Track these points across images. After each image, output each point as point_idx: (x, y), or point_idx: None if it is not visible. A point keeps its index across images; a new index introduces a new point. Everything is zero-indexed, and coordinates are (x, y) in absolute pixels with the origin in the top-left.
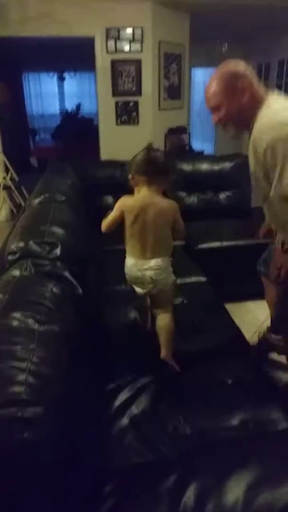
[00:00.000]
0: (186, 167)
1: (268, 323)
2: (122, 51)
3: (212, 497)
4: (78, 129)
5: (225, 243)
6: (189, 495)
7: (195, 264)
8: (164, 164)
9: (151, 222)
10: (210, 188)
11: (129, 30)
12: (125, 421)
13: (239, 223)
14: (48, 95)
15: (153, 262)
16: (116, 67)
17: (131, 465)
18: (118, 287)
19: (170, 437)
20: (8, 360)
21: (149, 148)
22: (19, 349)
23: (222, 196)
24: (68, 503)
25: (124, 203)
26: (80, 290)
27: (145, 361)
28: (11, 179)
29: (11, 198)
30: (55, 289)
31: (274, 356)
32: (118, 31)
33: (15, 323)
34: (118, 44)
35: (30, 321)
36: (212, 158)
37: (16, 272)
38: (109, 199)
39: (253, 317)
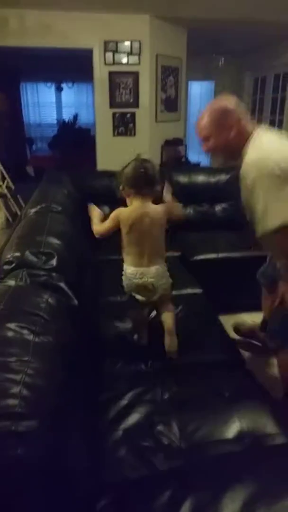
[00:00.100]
0: (182, 179)
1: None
2: (120, 63)
3: None
4: (75, 139)
5: (221, 255)
6: None
7: (191, 275)
8: (154, 174)
9: (147, 231)
10: (206, 200)
11: (127, 43)
12: (119, 433)
13: (235, 235)
14: (46, 105)
15: (153, 269)
16: (114, 78)
17: (125, 480)
18: (114, 298)
19: (165, 450)
20: (3, 372)
21: (138, 159)
22: (14, 361)
23: (218, 208)
24: None
25: (120, 213)
26: (76, 301)
27: (139, 373)
28: (7, 187)
29: (7, 206)
30: (50, 300)
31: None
32: (116, 44)
33: (10, 334)
34: (116, 56)
35: (25, 332)
36: (208, 170)
37: (12, 282)
38: (106, 209)
39: None
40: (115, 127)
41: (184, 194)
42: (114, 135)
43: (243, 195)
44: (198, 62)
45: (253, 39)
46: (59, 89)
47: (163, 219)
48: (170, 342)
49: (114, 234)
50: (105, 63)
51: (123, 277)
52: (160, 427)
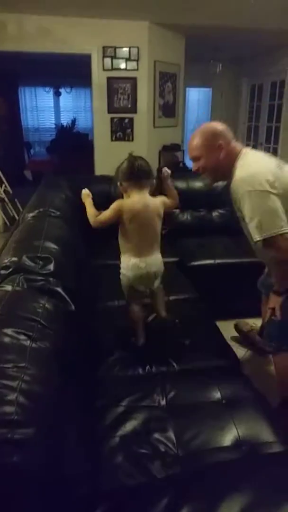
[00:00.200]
0: (180, 184)
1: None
2: (118, 69)
3: None
4: (73, 143)
5: (218, 260)
6: None
7: (188, 280)
8: (148, 166)
9: (148, 222)
10: (204, 206)
11: (125, 49)
12: (116, 440)
13: (232, 241)
14: (44, 109)
15: (155, 258)
16: (112, 84)
17: (122, 487)
18: (111, 303)
19: (162, 458)
20: None
21: (131, 156)
22: (10, 367)
23: (215, 213)
24: None
25: (122, 204)
26: (73, 306)
27: (136, 378)
28: (5, 191)
29: (5, 211)
30: (47, 305)
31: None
32: (115, 50)
33: (6, 339)
34: (114, 62)
35: (22, 337)
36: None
37: (8, 287)
38: None
39: None
40: (113, 132)
41: (182, 200)
42: (112, 140)
43: (235, 206)
44: (195, 69)
45: (250, 46)
46: (57, 94)
47: (161, 210)
48: (165, 314)
49: (112, 235)
50: (103, 69)
51: (123, 271)
52: (157, 434)
